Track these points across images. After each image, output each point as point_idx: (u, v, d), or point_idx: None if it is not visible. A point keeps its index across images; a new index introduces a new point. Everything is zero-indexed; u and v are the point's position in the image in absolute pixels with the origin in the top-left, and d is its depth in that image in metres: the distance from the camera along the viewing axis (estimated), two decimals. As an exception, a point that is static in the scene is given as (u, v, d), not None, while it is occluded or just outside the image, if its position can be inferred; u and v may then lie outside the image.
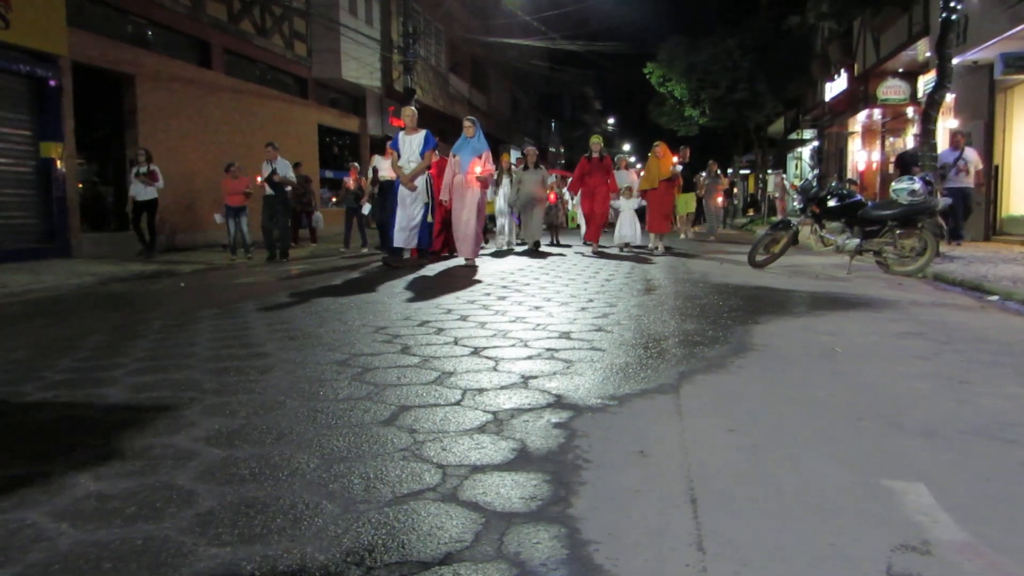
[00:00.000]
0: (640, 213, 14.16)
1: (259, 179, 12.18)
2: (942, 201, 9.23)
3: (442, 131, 30.05)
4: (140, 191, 12.22)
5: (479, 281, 8.18)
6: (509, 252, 13.32)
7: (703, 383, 3.51)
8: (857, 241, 8.98)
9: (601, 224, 13.46)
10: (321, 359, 4.06)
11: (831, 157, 26.51)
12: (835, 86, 22.62)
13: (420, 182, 9.83)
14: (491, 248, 14.22)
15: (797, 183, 27.02)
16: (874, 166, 22.17)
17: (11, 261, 10.59)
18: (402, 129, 10.26)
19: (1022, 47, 12.33)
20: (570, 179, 20.47)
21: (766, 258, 9.63)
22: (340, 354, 4.17)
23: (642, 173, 14.67)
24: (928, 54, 15.61)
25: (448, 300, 6.59)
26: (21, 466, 2.48)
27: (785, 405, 3.17)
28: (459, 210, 10.30)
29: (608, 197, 13.28)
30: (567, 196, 17.83)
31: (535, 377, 3.59)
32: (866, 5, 11.81)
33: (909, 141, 19.17)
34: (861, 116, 20.89)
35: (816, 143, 28.80)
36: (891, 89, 17.82)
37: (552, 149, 53.57)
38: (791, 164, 35.08)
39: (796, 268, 9.61)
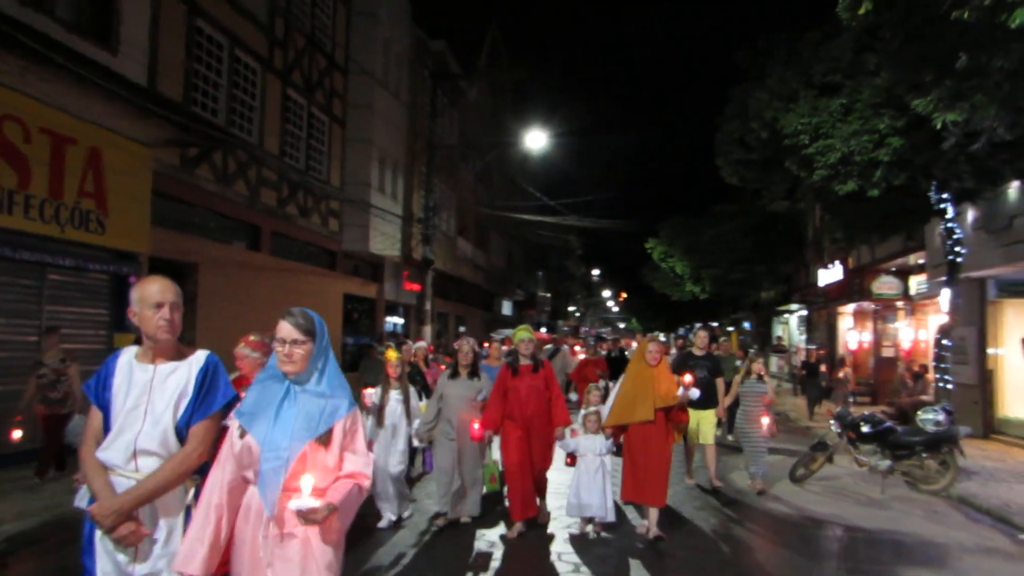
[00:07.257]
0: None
1: None
2: (962, 430, 10.41)
3: (445, 291, 31.07)
4: None
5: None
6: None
7: None
8: (889, 463, 10.14)
9: (535, 486, 7.54)
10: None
11: (820, 328, 28.01)
12: (829, 274, 23.94)
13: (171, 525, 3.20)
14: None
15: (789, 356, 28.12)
16: (865, 345, 23.54)
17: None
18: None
19: (1014, 272, 13.81)
20: (561, 345, 17.05)
21: (804, 473, 10.63)
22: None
23: (614, 389, 7.94)
24: (921, 261, 17.22)
25: None
26: None
27: None
28: None
29: (549, 436, 7.45)
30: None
31: None
32: (874, 233, 13.35)
33: (899, 326, 20.66)
34: (853, 304, 22.40)
35: (805, 312, 30.33)
36: (885, 285, 19.37)
37: (540, 293, 55.29)
38: (777, 328, 36.68)
39: (832, 482, 10.54)
